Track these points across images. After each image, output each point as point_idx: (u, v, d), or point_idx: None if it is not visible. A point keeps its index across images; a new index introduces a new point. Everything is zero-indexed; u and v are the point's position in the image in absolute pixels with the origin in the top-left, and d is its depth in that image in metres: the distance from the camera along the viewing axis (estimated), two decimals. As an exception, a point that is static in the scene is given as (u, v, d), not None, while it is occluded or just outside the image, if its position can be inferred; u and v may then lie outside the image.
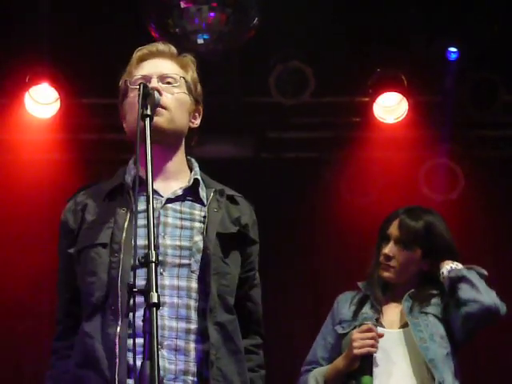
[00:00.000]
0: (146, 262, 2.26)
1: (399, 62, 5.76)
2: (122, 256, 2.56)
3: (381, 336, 3.59)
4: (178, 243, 2.61)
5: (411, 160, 6.11)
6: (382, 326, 3.69)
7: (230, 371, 2.59)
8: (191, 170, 2.79)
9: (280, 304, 5.86)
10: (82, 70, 5.57)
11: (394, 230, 3.80)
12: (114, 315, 2.52)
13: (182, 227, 2.64)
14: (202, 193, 2.74)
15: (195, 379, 2.55)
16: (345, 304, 3.83)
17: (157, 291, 2.22)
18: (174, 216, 2.66)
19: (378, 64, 5.80)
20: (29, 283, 5.69)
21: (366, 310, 3.77)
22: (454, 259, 3.77)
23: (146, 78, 2.73)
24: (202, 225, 2.66)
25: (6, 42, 5.44)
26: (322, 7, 5.35)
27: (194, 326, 2.57)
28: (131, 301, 2.30)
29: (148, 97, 2.53)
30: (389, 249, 3.78)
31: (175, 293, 2.56)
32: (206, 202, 2.71)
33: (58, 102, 5.69)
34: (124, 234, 2.59)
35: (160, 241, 2.56)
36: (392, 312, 3.77)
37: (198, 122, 2.83)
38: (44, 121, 5.80)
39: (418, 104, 5.96)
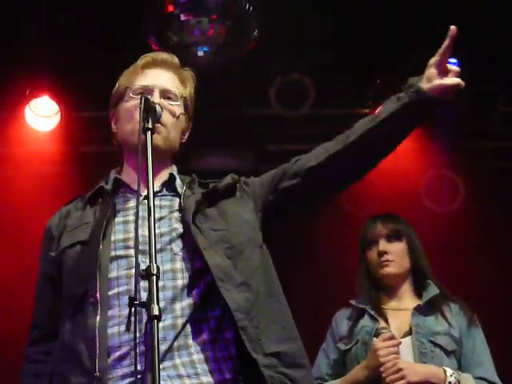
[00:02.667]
0: (146, 275, 2.27)
1: (399, 73, 5.76)
2: (100, 249, 2.57)
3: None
4: (157, 231, 2.54)
5: (412, 171, 6.12)
6: None
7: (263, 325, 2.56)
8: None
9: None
10: (83, 83, 5.58)
11: (379, 230, 3.92)
12: (94, 306, 2.52)
13: (160, 218, 2.64)
14: (179, 188, 2.77)
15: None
16: (342, 321, 3.87)
17: (158, 304, 2.23)
18: None
19: (378, 75, 5.81)
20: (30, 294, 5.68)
21: (365, 322, 3.79)
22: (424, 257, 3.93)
23: (148, 89, 2.75)
24: (179, 214, 2.69)
25: (6, 56, 5.45)
26: (322, 19, 5.36)
27: (181, 304, 2.54)
28: (132, 313, 2.31)
29: (150, 110, 2.54)
30: (382, 246, 3.87)
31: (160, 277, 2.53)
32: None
33: (59, 114, 5.70)
34: (102, 230, 2.60)
35: (140, 232, 2.55)
36: (397, 319, 3.78)
37: (185, 137, 2.88)
38: (44, 133, 5.81)
39: (418, 115, 5.96)
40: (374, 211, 5.74)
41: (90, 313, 2.52)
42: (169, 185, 2.77)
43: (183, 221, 2.65)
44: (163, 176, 2.79)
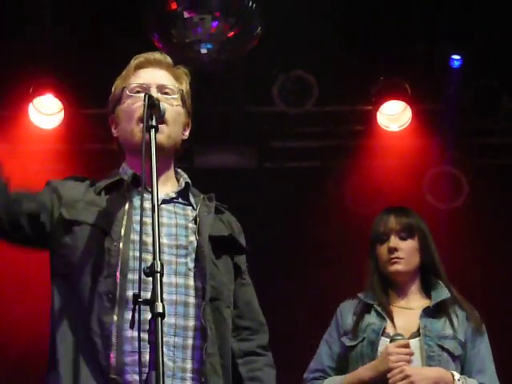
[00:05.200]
0: (151, 273, 2.27)
1: (402, 70, 5.77)
2: (121, 246, 2.57)
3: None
4: (174, 242, 2.65)
5: (415, 168, 6.11)
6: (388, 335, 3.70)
7: (218, 366, 2.63)
8: (177, 179, 2.84)
9: (284, 316, 5.84)
10: (86, 81, 5.58)
11: (391, 225, 3.83)
12: (112, 303, 2.52)
13: (176, 225, 2.69)
14: (191, 198, 2.79)
15: (194, 375, 2.58)
16: (348, 313, 3.81)
17: (162, 301, 2.23)
18: (169, 216, 2.70)
19: (381, 72, 5.81)
20: (31, 296, 5.69)
21: (372, 319, 3.75)
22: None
23: (145, 87, 2.76)
24: (194, 226, 2.71)
25: (9, 54, 5.45)
26: (325, 16, 5.36)
27: (192, 323, 2.60)
28: (136, 311, 2.31)
29: (153, 108, 2.54)
30: (393, 242, 3.80)
31: (173, 290, 2.60)
32: (195, 207, 2.77)
33: (62, 112, 5.71)
34: (123, 229, 2.60)
35: (156, 238, 2.53)
36: (405, 318, 3.75)
37: (187, 133, 2.87)
38: (48, 131, 5.81)
39: (422, 112, 5.97)
40: (377, 208, 5.75)
41: (107, 310, 2.52)
42: (183, 194, 2.78)
43: (199, 237, 2.68)
44: (170, 178, 2.80)
